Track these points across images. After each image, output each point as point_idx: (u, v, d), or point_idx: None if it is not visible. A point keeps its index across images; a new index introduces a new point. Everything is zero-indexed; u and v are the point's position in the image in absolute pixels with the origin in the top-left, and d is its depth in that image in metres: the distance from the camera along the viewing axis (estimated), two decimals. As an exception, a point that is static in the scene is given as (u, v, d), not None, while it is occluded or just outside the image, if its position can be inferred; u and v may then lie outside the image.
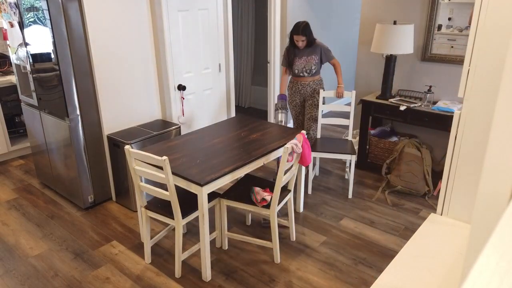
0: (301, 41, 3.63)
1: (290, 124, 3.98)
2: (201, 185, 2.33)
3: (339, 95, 3.75)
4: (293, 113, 4.06)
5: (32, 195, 3.73)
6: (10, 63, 4.41)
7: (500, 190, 0.88)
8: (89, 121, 3.28)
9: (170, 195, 2.41)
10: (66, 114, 3.16)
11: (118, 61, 3.31)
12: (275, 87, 5.10)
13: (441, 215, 1.71)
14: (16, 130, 4.65)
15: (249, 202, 2.69)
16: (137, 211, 3.40)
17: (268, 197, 2.64)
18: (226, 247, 2.94)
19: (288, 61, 3.81)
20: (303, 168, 3.30)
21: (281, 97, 3.80)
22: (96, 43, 3.14)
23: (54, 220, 3.32)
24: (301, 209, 3.43)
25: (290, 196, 2.88)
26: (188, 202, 2.63)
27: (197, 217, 2.57)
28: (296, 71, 3.78)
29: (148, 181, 3.09)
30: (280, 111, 3.70)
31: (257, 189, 2.71)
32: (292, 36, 3.67)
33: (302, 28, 3.59)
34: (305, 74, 3.77)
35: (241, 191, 2.81)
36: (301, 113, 4.03)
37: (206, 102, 4.13)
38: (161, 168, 2.37)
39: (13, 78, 4.27)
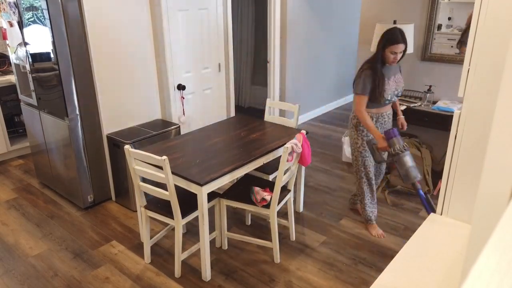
0: (399, 53, 2.70)
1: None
2: (201, 185, 2.33)
3: (403, 126, 3.12)
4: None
5: (31, 195, 3.72)
6: (10, 62, 4.40)
7: (500, 190, 0.88)
8: (88, 121, 3.28)
9: (170, 195, 2.41)
10: (66, 113, 3.16)
11: (117, 61, 3.31)
12: (275, 87, 5.09)
13: (441, 215, 1.71)
14: (16, 130, 4.65)
15: (249, 202, 2.68)
16: (136, 211, 3.39)
17: (268, 197, 2.64)
18: (226, 247, 2.94)
19: (375, 85, 2.72)
20: (303, 168, 3.30)
21: (393, 133, 2.63)
22: (95, 42, 3.13)
23: (54, 220, 3.32)
24: (301, 209, 3.42)
25: (290, 196, 2.88)
26: (188, 202, 2.62)
27: (197, 217, 2.56)
28: (389, 97, 2.80)
29: (148, 181, 3.09)
30: (402, 153, 2.60)
31: (257, 189, 2.70)
32: (385, 49, 2.69)
33: (403, 34, 2.68)
34: (394, 99, 2.86)
35: (241, 191, 2.81)
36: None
37: (205, 102, 4.13)
38: (161, 168, 2.37)
39: (12, 78, 4.27)
